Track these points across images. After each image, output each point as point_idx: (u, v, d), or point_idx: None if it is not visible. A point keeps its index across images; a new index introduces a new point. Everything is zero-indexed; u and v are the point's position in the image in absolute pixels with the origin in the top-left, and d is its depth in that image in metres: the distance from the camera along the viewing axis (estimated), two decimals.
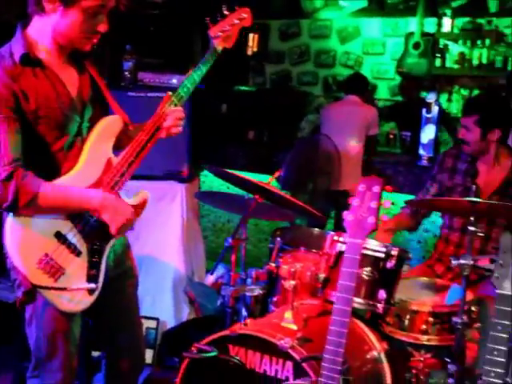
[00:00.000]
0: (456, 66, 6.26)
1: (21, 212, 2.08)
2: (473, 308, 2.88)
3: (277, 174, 3.01)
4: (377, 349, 2.80)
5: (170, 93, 2.35)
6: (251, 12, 2.54)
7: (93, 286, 2.21)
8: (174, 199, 3.76)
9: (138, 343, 2.65)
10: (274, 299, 3.09)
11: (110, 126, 2.30)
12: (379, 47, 6.83)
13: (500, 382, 2.07)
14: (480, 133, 3.18)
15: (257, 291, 3.13)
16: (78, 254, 2.21)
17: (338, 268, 2.77)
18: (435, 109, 5.14)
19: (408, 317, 2.80)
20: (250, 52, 7.35)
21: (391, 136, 5.93)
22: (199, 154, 5.17)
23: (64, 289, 2.14)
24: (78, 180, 2.21)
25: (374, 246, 2.71)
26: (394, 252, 2.69)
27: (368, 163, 5.09)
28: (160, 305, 3.83)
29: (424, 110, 5.21)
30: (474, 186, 2.61)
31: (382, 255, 2.69)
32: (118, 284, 2.47)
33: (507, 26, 6.10)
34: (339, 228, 4.95)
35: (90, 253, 2.24)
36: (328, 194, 4.50)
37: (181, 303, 3.84)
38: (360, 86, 5.21)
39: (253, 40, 7.31)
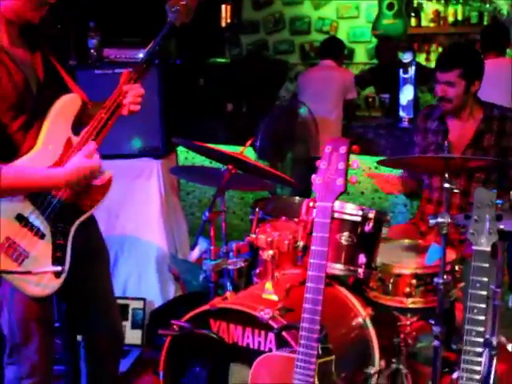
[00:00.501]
0: (432, 25, 6.20)
1: None
2: (456, 267, 2.83)
3: (248, 143, 2.92)
4: (362, 315, 2.77)
5: (128, 71, 2.27)
6: None
7: (58, 268, 2.13)
8: (151, 176, 3.67)
9: (115, 323, 2.58)
10: (257, 271, 3.03)
11: (67, 104, 2.21)
12: (353, 10, 6.74)
13: (481, 340, 2.01)
14: (465, 85, 3.08)
15: (239, 264, 3.05)
16: (42, 236, 2.13)
17: None
18: (412, 69, 5.03)
19: (391, 280, 2.73)
20: (224, 23, 7.27)
21: (370, 99, 5.85)
22: (179, 129, 5.09)
23: (29, 272, 2.07)
24: (37, 160, 2.12)
25: (351, 210, 2.65)
26: (371, 215, 2.62)
27: (348, 128, 5.00)
28: (145, 284, 3.76)
29: (401, 71, 5.10)
30: (446, 143, 2.53)
31: (359, 219, 2.63)
32: (88, 264, 2.39)
33: None
34: None
35: (55, 235, 2.16)
36: (308, 161, 4.41)
37: (166, 281, 3.77)
38: (334, 50, 5.11)
39: (226, 11, 7.23)
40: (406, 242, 3.11)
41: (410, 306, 2.73)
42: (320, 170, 2.04)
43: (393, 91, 5.35)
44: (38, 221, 2.12)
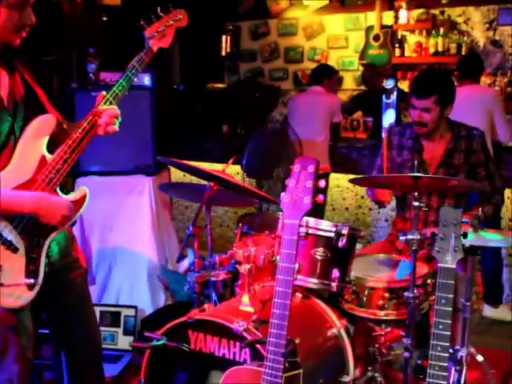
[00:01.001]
0: (414, 55, 6.10)
1: None
2: (428, 281, 2.70)
3: (231, 161, 2.80)
4: (337, 326, 2.65)
5: (104, 92, 2.16)
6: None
7: (31, 281, 2.00)
8: (143, 192, 3.58)
9: (93, 332, 2.44)
10: (238, 283, 2.88)
11: (42, 124, 2.09)
12: (342, 41, 6.63)
13: (446, 355, 1.86)
14: (439, 111, 2.98)
15: (221, 276, 2.92)
16: (15, 250, 2.00)
17: None
18: (394, 94, 4.92)
19: (365, 293, 2.63)
20: (224, 52, 7.20)
21: (355, 122, 5.74)
22: (176, 148, 4.98)
23: (1, 285, 1.94)
24: (10, 178, 1.99)
25: (325, 226, 2.52)
26: (345, 231, 2.49)
27: (334, 148, 4.86)
28: (137, 293, 3.66)
29: (384, 96, 4.98)
30: (416, 162, 2.40)
31: (333, 235, 2.49)
32: (66, 276, 2.26)
33: (459, 15, 5.92)
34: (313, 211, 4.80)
35: (28, 248, 2.03)
36: None
37: (157, 290, 3.67)
38: (321, 76, 4.98)
39: (226, 41, 7.16)
40: (381, 256, 2.98)
41: (383, 317, 2.63)
42: (288, 188, 1.90)
43: (376, 115, 5.23)
44: (10, 235, 1.99)
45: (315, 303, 2.68)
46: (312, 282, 2.54)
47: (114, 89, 2.16)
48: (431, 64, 5.88)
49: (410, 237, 2.29)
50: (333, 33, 6.68)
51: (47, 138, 2.08)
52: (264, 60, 7.17)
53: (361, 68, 6.37)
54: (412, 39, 6.11)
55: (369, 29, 6.20)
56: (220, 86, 6.30)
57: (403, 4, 6.06)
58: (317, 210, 3.33)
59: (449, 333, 1.87)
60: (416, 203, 2.30)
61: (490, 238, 2.36)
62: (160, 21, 2.24)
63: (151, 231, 3.59)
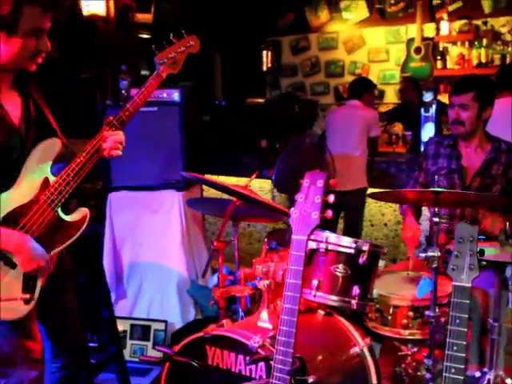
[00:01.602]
0: (457, 67, 5.97)
1: None
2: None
3: (253, 177, 2.78)
4: (360, 344, 2.56)
5: (111, 117, 2.19)
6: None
7: (27, 296, 2.05)
8: (172, 207, 3.60)
9: (78, 339, 2.49)
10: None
11: (47, 147, 2.14)
12: (383, 54, 6.57)
13: (461, 377, 1.78)
14: (478, 109, 2.93)
15: (246, 291, 2.89)
16: (13, 266, 2.04)
17: (311, 265, 2.56)
18: (433, 107, 4.82)
19: (389, 312, 2.57)
20: (265, 68, 7.24)
21: (394, 136, 5.65)
22: (214, 164, 5.01)
23: None
24: (15, 197, 2.05)
25: (345, 243, 2.46)
26: (365, 247, 2.43)
27: (371, 163, 4.79)
28: (167, 307, 3.68)
29: (423, 110, 4.89)
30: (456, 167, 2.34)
31: (353, 251, 2.44)
32: (59, 287, 2.30)
33: (502, 25, 5.78)
34: (348, 227, 4.73)
35: None
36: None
37: (187, 305, 3.67)
38: (361, 90, 4.92)
39: (267, 56, 7.20)
40: (410, 273, 2.89)
41: (408, 337, 2.56)
42: (297, 203, 1.87)
43: (415, 128, 5.13)
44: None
45: (338, 321, 2.62)
46: (332, 300, 2.48)
47: (121, 114, 2.18)
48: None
49: (430, 254, 2.22)
50: (373, 46, 6.64)
51: (51, 162, 2.13)
52: (305, 74, 7.20)
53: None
54: (454, 51, 6.01)
55: (410, 41, 6.14)
56: (259, 100, 6.32)
57: (445, 15, 5.98)
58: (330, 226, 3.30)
59: (464, 354, 1.79)
60: (436, 219, 2.23)
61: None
62: (172, 47, 2.27)
63: (181, 246, 3.60)
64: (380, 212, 5.23)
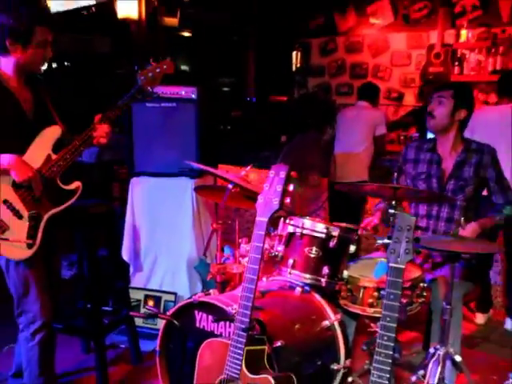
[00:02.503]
0: (473, 73, 6.09)
1: None
2: (420, 284, 2.84)
3: (248, 168, 3.10)
4: (331, 319, 2.83)
5: (101, 114, 2.77)
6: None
7: (29, 241, 2.61)
8: (185, 192, 3.87)
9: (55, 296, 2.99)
10: None
11: (50, 132, 2.74)
12: (405, 59, 6.73)
13: (391, 344, 2.05)
14: (452, 106, 3.11)
15: (240, 269, 3.17)
16: (20, 217, 2.63)
17: (288, 247, 2.86)
18: None
19: (359, 291, 2.78)
20: (294, 67, 7.48)
21: (402, 137, 5.84)
22: (236, 156, 5.31)
23: (6, 239, 2.59)
24: None
25: (318, 228, 2.75)
26: (335, 233, 2.71)
27: (376, 160, 5.03)
28: (178, 281, 3.97)
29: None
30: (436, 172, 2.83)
31: (324, 236, 2.72)
32: (49, 251, 2.84)
33: None
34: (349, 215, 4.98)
35: (30, 217, 2.64)
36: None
37: (194, 280, 3.96)
38: (369, 93, 5.17)
39: (296, 57, 7.44)
40: (383, 259, 3.13)
41: (373, 314, 2.76)
42: (263, 191, 2.18)
43: (424, 131, 5.31)
44: (18, 206, 2.62)
45: (314, 297, 2.88)
46: (304, 277, 2.77)
47: (108, 113, 2.77)
48: (489, 83, 5.89)
49: (385, 241, 2.47)
50: (396, 50, 6.79)
51: (53, 142, 2.72)
52: (331, 75, 7.38)
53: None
54: (471, 57, 6.09)
55: (431, 47, 6.27)
56: (282, 99, 6.58)
57: (465, 23, 6.11)
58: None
59: (395, 325, 2.07)
60: (391, 211, 2.50)
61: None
62: (150, 68, 2.88)
63: (192, 227, 3.88)
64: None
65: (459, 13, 6.21)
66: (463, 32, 6.11)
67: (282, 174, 2.15)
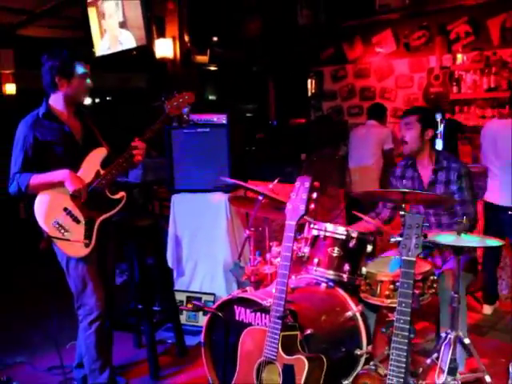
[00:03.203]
0: (470, 91, 6.15)
1: (26, 192, 2.82)
2: (431, 277, 2.90)
3: (275, 181, 3.20)
4: (353, 310, 2.91)
5: (138, 138, 2.97)
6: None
7: (86, 241, 2.82)
8: (220, 205, 4.00)
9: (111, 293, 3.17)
10: None
11: (97, 152, 2.95)
12: (408, 81, 6.82)
13: (407, 326, 2.13)
14: (420, 129, 3.18)
15: (272, 269, 3.25)
16: (78, 221, 2.84)
17: (313, 248, 2.96)
18: (441, 126, 5.09)
19: (376, 285, 2.84)
20: (309, 93, 7.62)
21: None
22: (261, 172, 5.43)
23: (67, 240, 2.80)
24: None
25: (339, 231, 2.85)
26: (354, 235, 2.81)
27: (386, 172, 5.10)
28: (215, 283, 4.08)
29: None
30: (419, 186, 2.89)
31: (344, 237, 2.82)
32: (104, 251, 3.02)
33: (509, 55, 5.92)
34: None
35: (86, 221, 2.85)
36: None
37: (230, 281, 4.03)
38: (377, 113, 5.27)
39: (311, 83, 7.57)
40: (397, 257, 3.21)
41: (390, 305, 2.79)
42: (291, 199, 2.29)
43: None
44: (75, 212, 2.83)
45: (337, 291, 2.97)
46: (328, 274, 2.87)
47: (144, 136, 2.97)
48: (485, 99, 5.96)
49: (397, 239, 2.56)
50: (400, 74, 6.89)
51: (101, 160, 2.93)
52: (343, 99, 7.49)
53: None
54: (468, 77, 6.17)
55: (430, 70, 6.35)
56: (300, 121, 6.71)
57: (459, 48, 6.20)
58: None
59: (409, 309, 2.15)
60: (402, 212, 2.60)
61: (469, 240, 2.59)
62: (175, 98, 3.06)
63: (226, 235, 4.00)
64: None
65: (454, 39, 6.30)
66: (459, 56, 6.21)
67: (307, 184, 2.26)
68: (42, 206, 2.84)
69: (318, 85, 7.57)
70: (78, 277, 2.91)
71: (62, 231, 2.81)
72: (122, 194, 2.95)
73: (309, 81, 7.57)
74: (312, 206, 2.24)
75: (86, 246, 2.83)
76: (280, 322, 2.19)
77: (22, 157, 2.83)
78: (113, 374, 3.05)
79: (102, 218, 2.89)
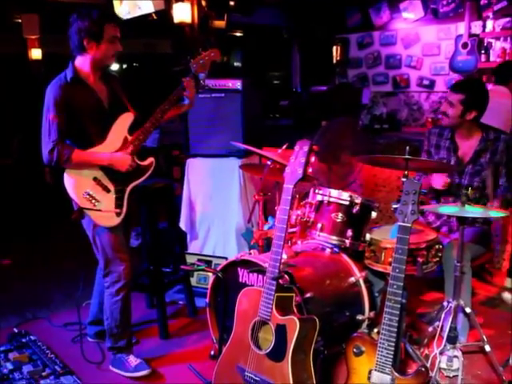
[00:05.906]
0: (499, 60, 5.96)
1: (64, 166, 2.76)
2: (436, 246, 2.89)
3: (284, 147, 3.20)
4: (357, 276, 2.94)
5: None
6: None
7: (118, 210, 2.81)
8: (234, 170, 4.02)
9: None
10: None
11: (124, 118, 2.89)
12: (435, 49, 6.64)
13: (400, 291, 2.14)
14: (461, 110, 3.10)
15: None
16: (108, 191, 2.82)
17: (318, 213, 2.97)
18: None
19: (380, 252, 2.85)
20: (334, 60, 7.51)
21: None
22: (283, 138, 5.42)
23: (99, 210, 2.78)
24: (104, 149, 2.82)
25: (343, 196, 2.85)
26: (358, 201, 2.81)
27: None
28: (228, 247, 4.13)
29: None
30: (454, 159, 2.83)
31: (348, 203, 2.82)
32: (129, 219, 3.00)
33: None
34: None
35: (116, 191, 2.83)
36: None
37: (242, 246, 4.08)
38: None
39: (337, 51, 7.46)
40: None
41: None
42: (289, 163, 2.30)
43: None
44: (105, 181, 2.81)
45: (342, 257, 3.00)
46: (331, 239, 2.89)
47: (172, 95, 2.91)
48: None
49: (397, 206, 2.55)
50: (427, 42, 6.72)
51: (128, 126, 2.87)
52: (368, 66, 7.37)
53: (451, 73, 6.35)
54: (497, 45, 5.98)
55: (458, 37, 6.18)
56: (321, 89, 6.64)
57: (490, 14, 5.99)
58: None
59: (403, 275, 2.16)
60: (404, 179, 2.57)
61: (471, 211, 2.56)
62: (201, 56, 2.99)
63: (239, 200, 4.02)
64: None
65: (485, 5, 6.08)
66: (489, 22, 5.99)
67: (305, 148, 2.26)
68: (71, 177, 2.79)
69: (343, 52, 7.45)
70: (107, 244, 2.88)
71: (94, 201, 2.77)
72: (150, 159, 2.90)
73: (334, 48, 7.45)
74: (310, 169, 2.24)
75: (118, 215, 2.80)
76: (274, 282, 2.23)
77: (56, 123, 2.70)
78: (131, 339, 3.10)
79: (132, 185, 2.85)
